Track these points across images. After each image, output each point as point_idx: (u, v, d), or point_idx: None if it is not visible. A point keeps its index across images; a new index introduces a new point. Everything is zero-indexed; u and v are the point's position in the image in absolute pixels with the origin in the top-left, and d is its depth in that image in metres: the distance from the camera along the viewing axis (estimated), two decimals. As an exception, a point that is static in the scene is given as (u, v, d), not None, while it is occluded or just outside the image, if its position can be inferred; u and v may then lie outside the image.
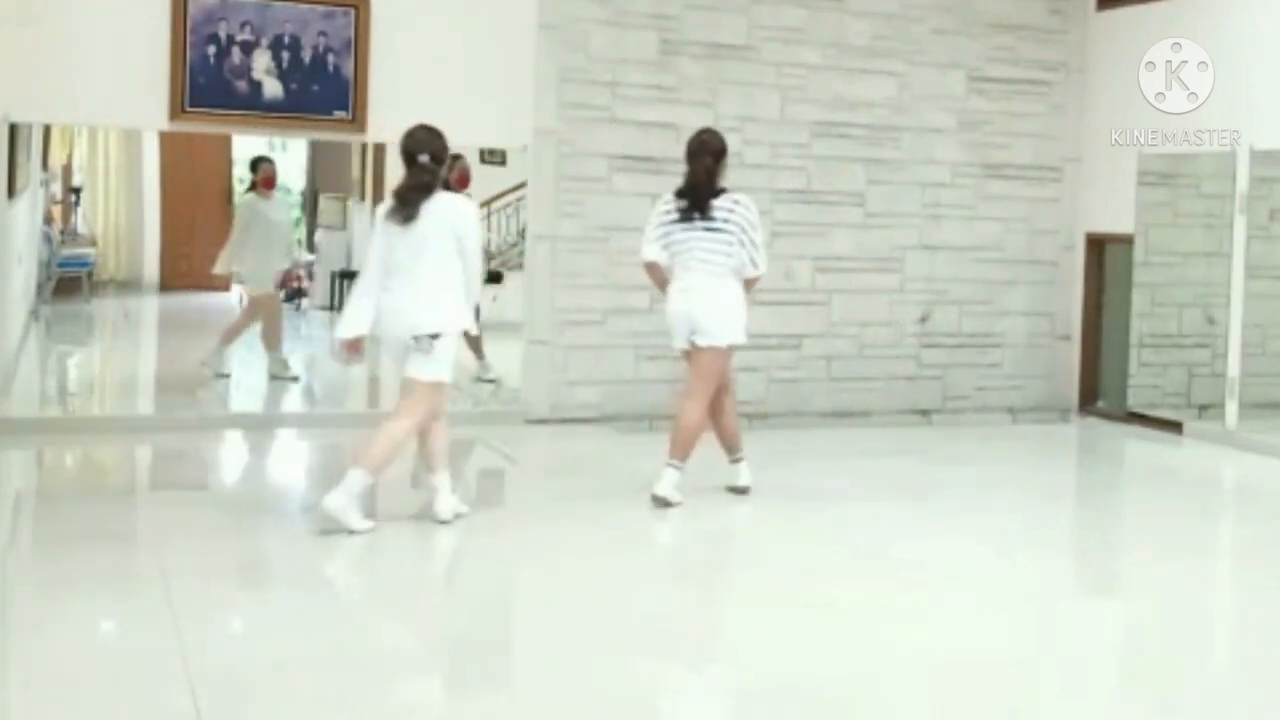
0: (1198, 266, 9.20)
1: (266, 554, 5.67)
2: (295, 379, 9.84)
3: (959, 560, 5.90)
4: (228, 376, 9.66)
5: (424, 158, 5.87)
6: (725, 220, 6.37)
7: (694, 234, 6.38)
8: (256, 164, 10.07)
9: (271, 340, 9.82)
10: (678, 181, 6.53)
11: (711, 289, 6.38)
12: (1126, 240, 9.31)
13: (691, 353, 6.48)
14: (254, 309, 9.91)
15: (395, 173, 11.12)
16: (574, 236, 8.49)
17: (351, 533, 5.66)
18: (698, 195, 6.41)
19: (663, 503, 6.34)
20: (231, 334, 9.78)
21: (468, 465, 8.18)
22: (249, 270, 9.89)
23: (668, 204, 6.50)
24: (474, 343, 9.53)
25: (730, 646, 4.73)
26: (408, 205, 5.84)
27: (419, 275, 5.81)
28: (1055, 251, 9.63)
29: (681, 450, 6.40)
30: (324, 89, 8.11)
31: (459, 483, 6.23)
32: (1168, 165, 9.16)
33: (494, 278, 10.62)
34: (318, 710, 3.92)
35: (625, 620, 4.86)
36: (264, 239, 9.76)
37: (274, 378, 9.71)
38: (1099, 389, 9.70)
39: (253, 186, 10.03)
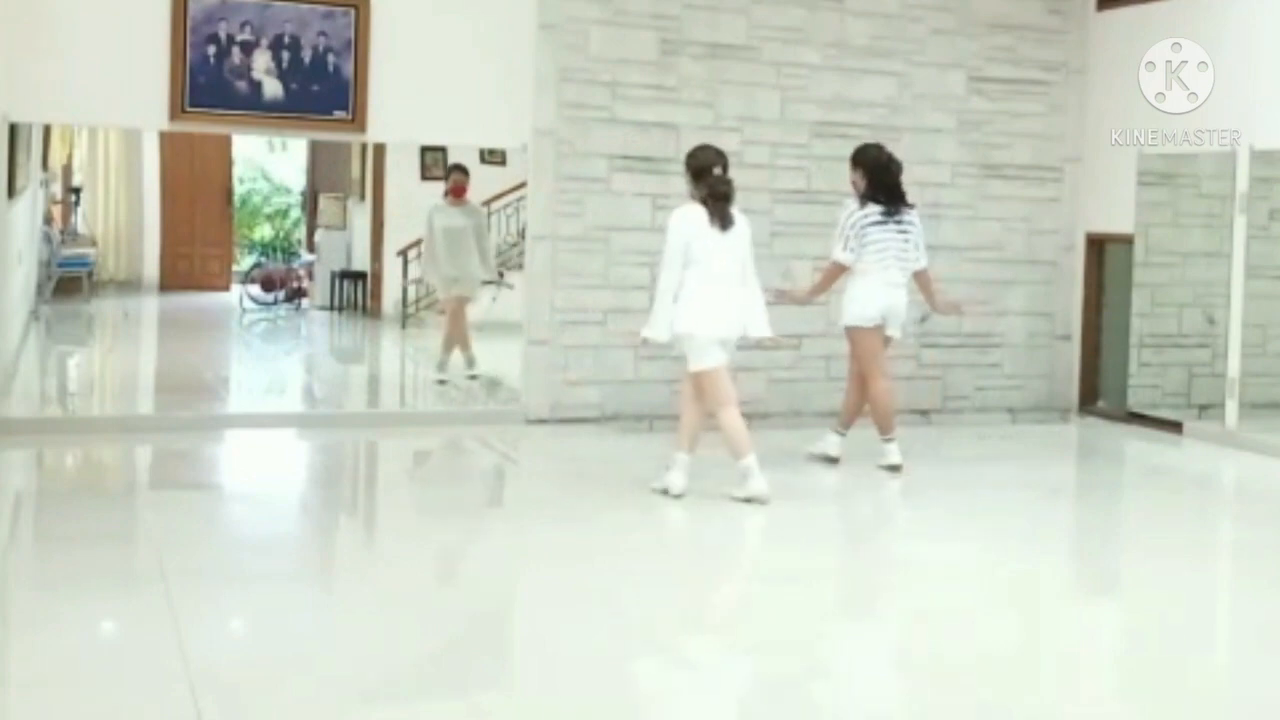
0: (1198, 266, 9.19)
1: (267, 554, 5.66)
2: (474, 378, 10.00)
3: (959, 560, 5.90)
4: (475, 377, 9.96)
5: (719, 170, 6.33)
6: (912, 224, 7.31)
7: (889, 234, 7.21)
8: (450, 172, 10.21)
9: (450, 342, 10.20)
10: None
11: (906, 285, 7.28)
12: (1126, 240, 9.30)
13: (880, 337, 7.25)
14: (451, 312, 10.28)
15: (395, 173, 11.26)
16: (574, 236, 8.49)
17: (764, 502, 6.31)
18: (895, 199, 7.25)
19: (896, 469, 7.18)
20: (450, 342, 10.16)
21: (467, 465, 8.20)
22: (439, 277, 10.32)
23: (863, 211, 7.18)
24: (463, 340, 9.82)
25: (730, 646, 4.73)
26: (725, 212, 6.29)
27: (743, 279, 6.27)
28: (1055, 251, 9.63)
29: (890, 424, 7.27)
30: (324, 89, 8.11)
31: (462, 485, 6.21)
32: (1168, 165, 9.15)
33: (494, 277, 10.65)
34: (317, 711, 3.92)
35: (621, 620, 4.86)
36: (454, 245, 10.13)
37: (442, 382, 9.99)
38: (1099, 389, 9.69)
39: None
